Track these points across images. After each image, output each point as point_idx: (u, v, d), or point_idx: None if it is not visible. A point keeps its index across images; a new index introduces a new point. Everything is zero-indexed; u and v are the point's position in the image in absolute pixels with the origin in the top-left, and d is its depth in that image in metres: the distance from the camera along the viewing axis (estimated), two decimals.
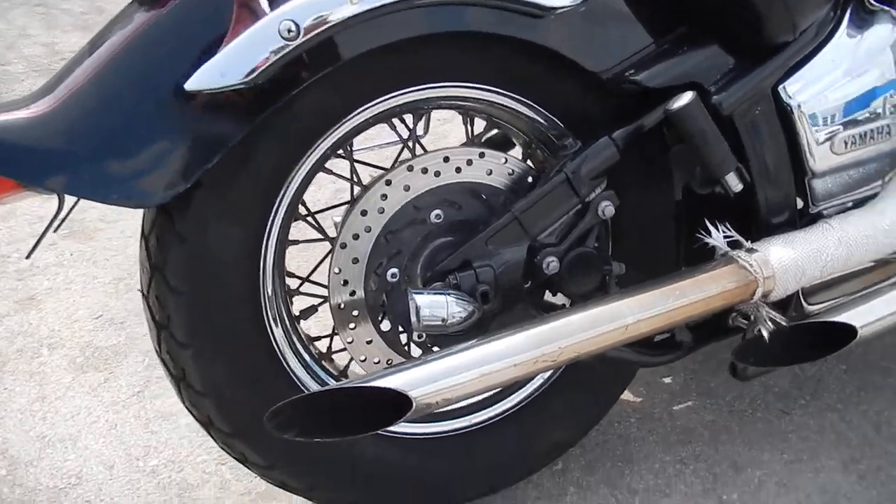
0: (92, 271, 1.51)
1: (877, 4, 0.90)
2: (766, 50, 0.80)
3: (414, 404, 0.64)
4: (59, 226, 0.72)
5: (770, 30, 0.78)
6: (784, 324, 0.78)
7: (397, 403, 0.64)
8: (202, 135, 0.66)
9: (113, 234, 1.64)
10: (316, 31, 0.64)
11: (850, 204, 0.89)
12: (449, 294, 0.73)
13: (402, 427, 0.86)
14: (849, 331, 0.80)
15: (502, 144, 1.02)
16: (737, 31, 0.80)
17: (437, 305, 0.71)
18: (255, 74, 0.64)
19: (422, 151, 0.81)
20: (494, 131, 1.00)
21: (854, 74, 0.84)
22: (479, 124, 1.00)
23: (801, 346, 0.83)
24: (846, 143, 0.85)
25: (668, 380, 1.18)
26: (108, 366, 1.23)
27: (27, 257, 0.86)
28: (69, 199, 0.70)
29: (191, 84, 0.63)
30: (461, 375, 0.66)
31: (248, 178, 0.71)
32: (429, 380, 0.65)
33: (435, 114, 0.96)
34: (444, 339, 0.78)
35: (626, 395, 1.10)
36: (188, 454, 1.04)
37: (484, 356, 0.67)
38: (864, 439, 1.06)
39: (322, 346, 0.88)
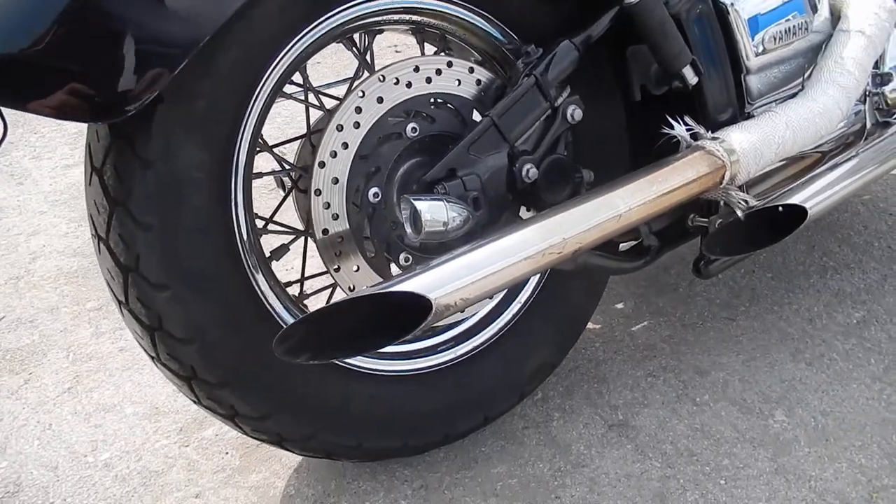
0: None
1: None
2: None
3: (434, 306, 0.60)
4: None
5: None
6: (752, 203, 0.82)
7: (416, 308, 0.61)
8: (166, 36, 0.59)
9: None
10: None
11: (775, 104, 0.96)
12: (443, 200, 0.70)
13: (392, 365, 0.82)
14: (800, 211, 0.86)
15: None
16: None
17: (437, 210, 0.69)
18: None
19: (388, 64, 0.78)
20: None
21: None
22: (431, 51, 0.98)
23: (760, 232, 0.88)
24: (774, 39, 0.91)
25: (620, 305, 1.22)
26: (26, 367, 1.09)
27: None
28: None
29: None
30: (476, 273, 0.64)
31: (211, 91, 0.65)
32: (446, 281, 0.62)
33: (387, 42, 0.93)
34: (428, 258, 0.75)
35: (590, 325, 1.12)
36: (143, 441, 0.94)
37: (495, 252, 0.65)
38: (803, 332, 1.14)
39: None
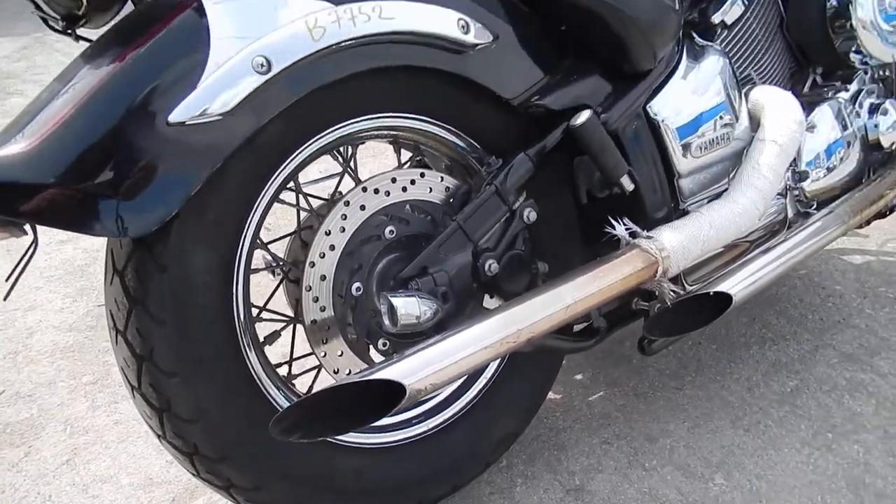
0: None
1: (702, 41, 1.15)
2: (635, 76, 1.00)
3: (408, 391, 0.71)
4: (26, 265, 0.73)
5: (637, 60, 0.98)
6: (681, 293, 0.95)
7: (391, 393, 0.72)
8: (184, 165, 0.71)
9: None
10: (284, 66, 0.73)
11: (706, 201, 1.11)
12: (416, 296, 0.82)
13: (372, 438, 0.92)
14: (726, 298, 0.99)
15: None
16: (612, 61, 0.99)
17: (411, 305, 0.80)
18: (232, 106, 0.71)
19: (367, 176, 0.91)
20: (418, 159, 1.11)
21: (699, 94, 1.06)
22: (405, 154, 1.11)
23: (693, 315, 1.01)
24: (700, 149, 1.06)
25: (579, 376, 1.33)
26: (26, 440, 1.16)
27: (4, 298, 0.82)
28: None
29: (174, 116, 0.69)
30: (443, 362, 0.75)
31: (219, 205, 0.77)
32: (417, 369, 0.73)
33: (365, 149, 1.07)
34: (405, 345, 0.87)
35: (549, 395, 1.22)
36: None
37: (460, 343, 0.77)
38: (742, 401, 1.26)
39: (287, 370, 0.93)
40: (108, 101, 0.68)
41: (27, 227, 0.71)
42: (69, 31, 0.79)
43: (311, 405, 0.71)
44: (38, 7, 0.78)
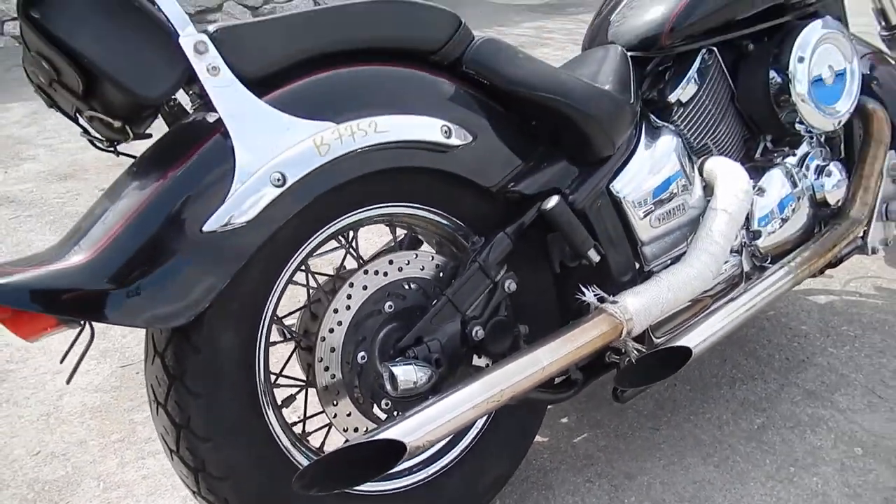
0: (15, 411, 1.54)
1: (659, 122, 1.30)
2: (597, 161, 1.15)
3: (408, 448, 0.85)
4: (84, 354, 0.87)
5: (597, 148, 1.13)
6: (644, 351, 1.08)
7: (393, 450, 0.85)
8: (215, 266, 0.85)
9: (26, 373, 1.67)
10: (297, 178, 0.88)
11: (668, 262, 1.25)
12: (413, 364, 0.96)
13: (380, 486, 1.05)
14: (686, 351, 1.13)
15: (414, 244, 1.29)
16: (577, 149, 1.14)
17: (409, 373, 0.94)
18: (254, 215, 0.86)
19: (369, 257, 1.05)
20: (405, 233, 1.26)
21: (655, 172, 1.21)
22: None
23: (658, 367, 1.14)
24: (660, 219, 1.21)
25: (565, 419, 1.46)
26: (63, 496, 1.28)
27: (67, 382, 0.96)
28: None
29: (207, 226, 0.83)
30: (437, 421, 0.88)
31: (244, 295, 0.91)
32: (415, 428, 0.86)
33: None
34: (404, 404, 1.00)
35: (538, 438, 1.35)
36: None
37: (451, 404, 0.90)
38: (713, 438, 1.39)
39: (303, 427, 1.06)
40: (152, 217, 0.82)
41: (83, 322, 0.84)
42: (112, 149, 0.94)
43: (327, 463, 0.84)
44: (85, 132, 0.93)
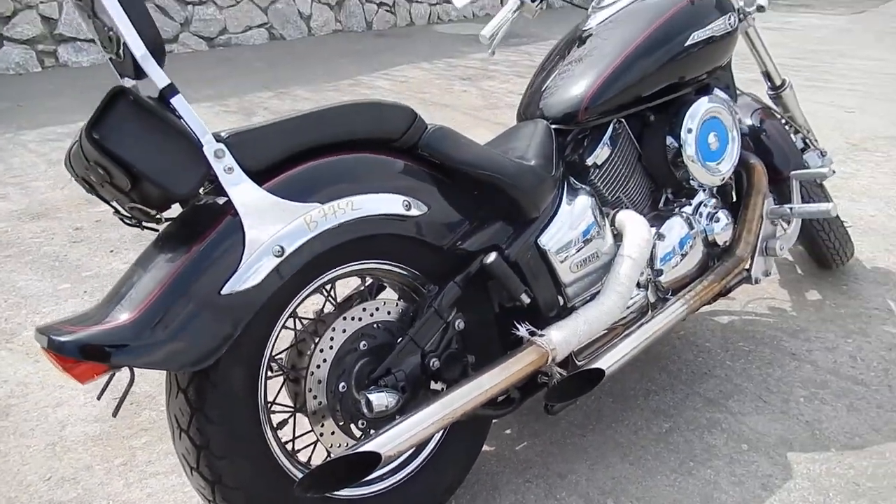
0: (23, 442, 1.72)
1: (577, 183, 1.59)
2: (526, 221, 1.43)
3: (383, 457, 1.10)
4: (126, 393, 1.10)
5: (526, 212, 1.41)
6: (564, 373, 1.37)
7: (371, 459, 1.10)
8: (233, 318, 1.09)
9: (28, 407, 1.85)
10: (292, 250, 1.13)
11: (587, 298, 1.53)
12: (384, 391, 1.21)
13: (358, 491, 1.29)
14: (599, 372, 1.41)
15: (378, 289, 1.54)
16: (509, 212, 1.41)
17: (381, 398, 1.20)
18: (259, 280, 1.10)
19: (342, 299, 1.30)
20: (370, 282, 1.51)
21: (574, 227, 1.50)
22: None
23: (578, 386, 1.42)
24: (578, 265, 1.49)
25: (508, 431, 1.73)
26: None
27: (114, 415, 1.17)
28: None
29: (224, 290, 1.07)
30: (404, 436, 1.14)
31: (250, 340, 1.15)
32: (387, 442, 1.12)
33: None
34: (377, 423, 1.25)
35: (485, 448, 1.61)
36: None
37: (414, 422, 1.16)
38: (630, 441, 1.68)
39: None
40: (182, 285, 1.06)
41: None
42: (139, 226, 1.17)
43: (321, 471, 1.09)
44: (117, 212, 1.16)
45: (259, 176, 1.13)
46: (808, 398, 1.81)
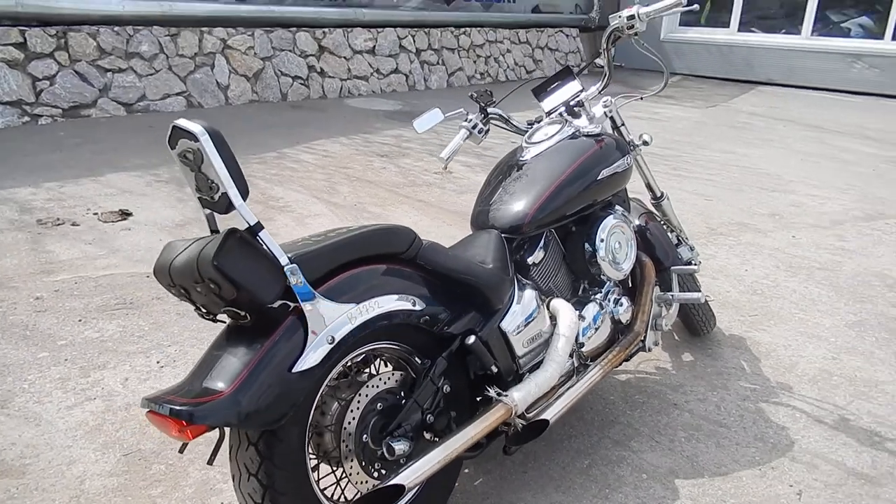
0: (47, 496, 1.96)
1: (524, 279, 2.11)
2: (493, 311, 1.92)
3: (406, 487, 1.52)
4: (219, 447, 1.46)
5: (493, 305, 1.91)
6: (522, 423, 1.85)
7: (396, 490, 1.52)
8: (298, 390, 1.48)
9: (42, 465, 2.08)
10: (340, 338, 1.55)
11: (533, 365, 2.03)
12: (400, 440, 1.64)
13: None
14: (544, 422, 1.90)
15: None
16: (481, 304, 1.90)
17: (400, 445, 1.62)
18: (318, 361, 1.51)
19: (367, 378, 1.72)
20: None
21: (524, 313, 2.01)
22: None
23: (528, 433, 1.90)
24: (528, 342, 2.00)
25: (467, 470, 2.17)
26: None
27: (210, 463, 1.50)
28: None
29: (294, 369, 1.47)
30: (417, 473, 1.57)
31: (304, 406, 1.54)
32: (408, 477, 1.55)
33: None
34: (389, 465, 1.67)
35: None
36: None
37: (424, 462, 1.59)
38: (560, 475, 2.17)
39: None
40: (264, 366, 1.45)
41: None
42: (211, 319, 1.54)
43: (364, 499, 1.50)
44: (197, 309, 1.53)
45: (314, 283, 1.55)
46: (688, 438, 2.39)
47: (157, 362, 2.68)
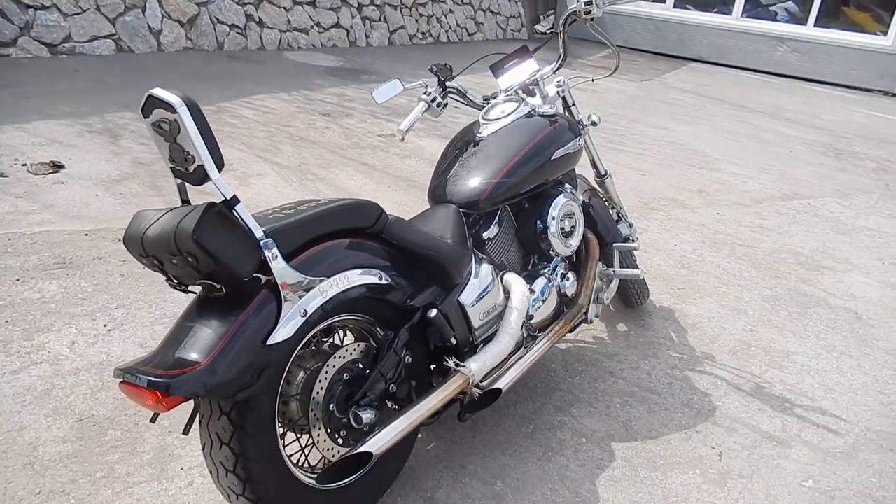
0: (0, 464, 1.94)
1: (480, 254, 2.20)
2: (453, 285, 2.00)
3: (374, 454, 1.61)
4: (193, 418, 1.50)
5: (453, 278, 1.99)
6: (477, 392, 1.96)
7: (364, 456, 1.61)
8: (272, 363, 1.53)
9: None
10: (311, 311, 1.60)
11: (488, 336, 2.14)
12: (366, 409, 1.72)
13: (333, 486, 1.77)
14: (497, 391, 2.01)
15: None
16: (441, 278, 1.97)
17: (367, 414, 1.70)
18: (290, 335, 1.56)
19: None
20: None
21: (480, 287, 2.10)
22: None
23: (484, 401, 2.01)
24: (483, 315, 2.10)
25: (421, 435, 2.28)
26: None
27: (185, 433, 1.52)
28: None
29: (269, 342, 1.52)
30: (384, 440, 1.66)
31: (272, 375, 1.59)
32: (376, 444, 1.63)
33: None
34: (355, 433, 1.75)
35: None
36: None
37: (389, 430, 1.68)
38: (507, 440, 2.30)
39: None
40: (238, 339, 1.48)
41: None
42: (182, 289, 1.55)
43: (333, 467, 1.57)
44: (168, 279, 1.54)
45: (287, 257, 1.59)
46: (623, 404, 2.58)
47: (105, 325, 2.64)
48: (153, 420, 1.56)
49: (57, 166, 4.02)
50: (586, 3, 2.46)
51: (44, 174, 3.91)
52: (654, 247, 4.09)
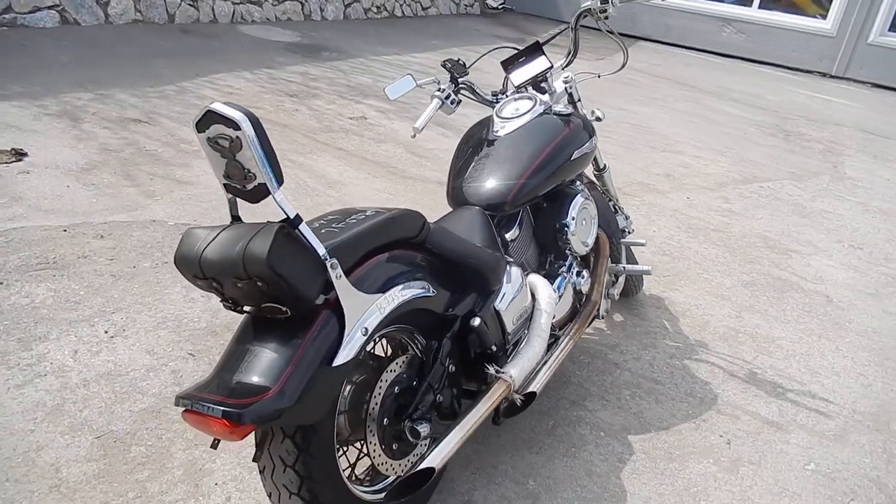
0: (23, 487, 1.85)
1: (509, 259, 2.21)
2: (491, 292, 2.00)
3: (436, 469, 1.62)
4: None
5: (492, 284, 1.99)
6: (521, 398, 1.98)
7: (427, 472, 1.61)
8: (338, 383, 1.51)
9: (6, 454, 1.94)
10: (371, 329, 1.57)
11: (518, 339, 2.16)
12: (422, 422, 1.71)
13: (374, 495, 1.77)
14: (533, 394, 2.05)
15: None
16: (480, 286, 1.97)
17: (423, 428, 1.70)
18: (354, 354, 1.53)
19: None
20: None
21: (513, 291, 2.11)
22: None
23: (521, 405, 2.04)
24: (515, 319, 2.11)
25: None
26: None
27: (214, 447, 1.46)
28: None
29: (334, 363, 1.49)
30: (443, 455, 1.66)
31: (332, 397, 1.57)
32: (436, 458, 1.64)
33: None
34: (408, 446, 1.75)
35: None
36: None
37: (447, 443, 1.68)
38: (531, 437, 2.34)
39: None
40: (306, 361, 1.44)
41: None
42: (238, 311, 1.50)
43: (399, 483, 1.57)
44: (224, 300, 1.48)
45: (349, 271, 1.55)
46: (632, 396, 2.66)
47: (105, 332, 2.52)
48: (214, 446, 1.52)
49: (19, 154, 3.78)
50: (602, 1, 2.46)
51: (6, 163, 3.67)
52: (635, 233, 4.19)
